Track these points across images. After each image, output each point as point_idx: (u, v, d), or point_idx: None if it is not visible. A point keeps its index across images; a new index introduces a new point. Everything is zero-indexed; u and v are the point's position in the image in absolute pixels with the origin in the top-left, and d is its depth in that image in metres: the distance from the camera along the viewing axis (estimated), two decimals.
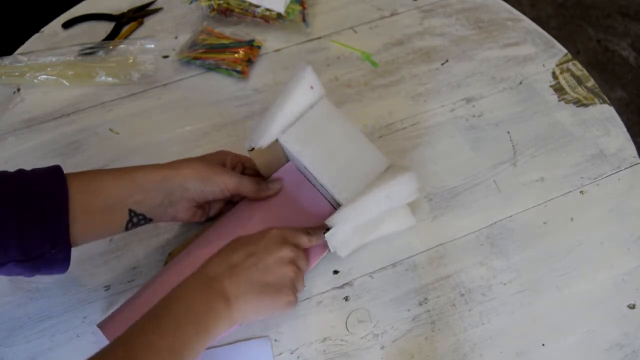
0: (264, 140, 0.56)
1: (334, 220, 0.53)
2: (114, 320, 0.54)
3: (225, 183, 0.56)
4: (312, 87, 0.57)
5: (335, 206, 0.59)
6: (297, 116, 0.57)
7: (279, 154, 0.61)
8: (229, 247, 0.52)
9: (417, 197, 0.57)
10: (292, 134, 0.57)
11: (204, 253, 0.53)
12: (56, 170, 0.50)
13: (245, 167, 0.61)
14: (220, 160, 0.59)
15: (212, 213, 0.61)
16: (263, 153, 0.57)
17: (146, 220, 0.54)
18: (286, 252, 0.52)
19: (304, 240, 0.55)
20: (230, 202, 0.63)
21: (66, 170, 0.51)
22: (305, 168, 0.57)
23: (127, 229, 0.53)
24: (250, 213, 0.59)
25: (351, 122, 0.59)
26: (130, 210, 0.52)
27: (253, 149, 0.56)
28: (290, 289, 0.52)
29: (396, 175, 0.54)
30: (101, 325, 0.54)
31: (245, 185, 0.57)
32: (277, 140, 0.57)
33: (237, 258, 0.50)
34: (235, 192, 0.57)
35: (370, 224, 0.56)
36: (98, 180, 0.52)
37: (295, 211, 0.60)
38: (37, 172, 0.50)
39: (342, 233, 0.54)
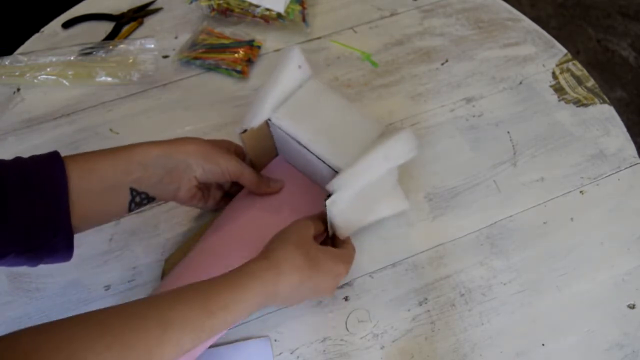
0: (255, 121, 0.56)
1: (334, 185, 0.52)
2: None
3: (228, 166, 0.55)
4: (300, 67, 0.57)
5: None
6: (287, 96, 0.57)
7: (269, 142, 0.60)
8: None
9: (414, 155, 0.56)
10: (283, 112, 0.57)
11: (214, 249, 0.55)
12: (54, 156, 0.48)
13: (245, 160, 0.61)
14: (225, 146, 0.58)
15: (209, 204, 0.60)
16: (254, 136, 0.57)
17: (149, 199, 0.53)
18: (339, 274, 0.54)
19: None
20: (228, 196, 0.62)
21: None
22: (299, 144, 0.56)
23: (130, 209, 0.52)
24: (251, 207, 0.59)
25: (342, 96, 0.59)
26: (132, 189, 0.51)
27: (245, 130, 0.55)
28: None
29: (393, 134, 0.54)
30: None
31: (248, 175, 0.57)
32: (268, 124, 0.57)
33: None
34: (236, 178, 0.57)
35: (366, 198, 0.56)
36: (94, 161, 0.50)
37: (294, 206, 0.60)
38: (34, 159, 0.48)
39: (343, 200, 0.53)
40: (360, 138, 0.56)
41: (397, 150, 0.54)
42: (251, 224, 0.58)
